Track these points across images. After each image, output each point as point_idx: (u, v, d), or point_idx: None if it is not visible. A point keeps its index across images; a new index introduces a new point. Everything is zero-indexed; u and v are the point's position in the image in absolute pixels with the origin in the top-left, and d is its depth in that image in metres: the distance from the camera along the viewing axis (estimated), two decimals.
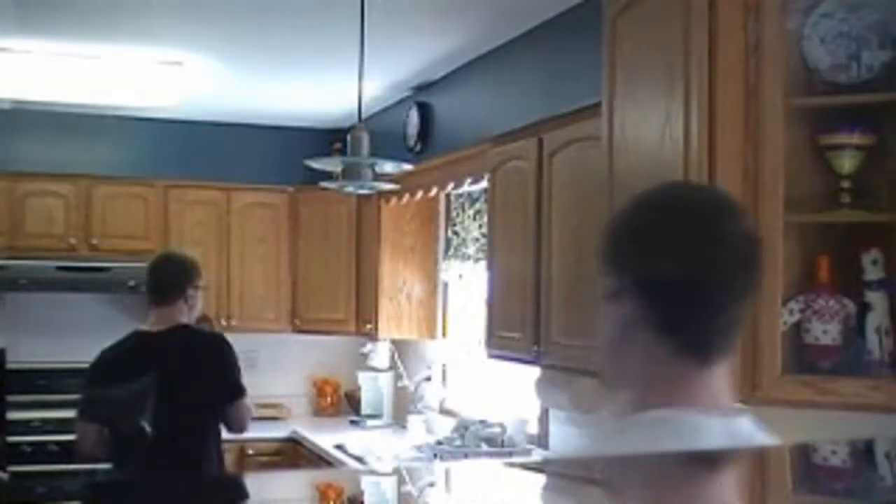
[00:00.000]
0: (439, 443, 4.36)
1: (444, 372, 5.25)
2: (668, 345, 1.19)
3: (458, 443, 4.23)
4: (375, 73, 4.24)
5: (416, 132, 4.95)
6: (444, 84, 4.77)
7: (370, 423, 5.58)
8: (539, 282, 3.34)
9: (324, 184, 3.47)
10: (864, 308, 2.11)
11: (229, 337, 3.68)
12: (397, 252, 5.36)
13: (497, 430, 4.11)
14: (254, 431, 4.88)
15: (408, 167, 3.54)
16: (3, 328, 5.39)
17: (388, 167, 3.39)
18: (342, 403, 6.04)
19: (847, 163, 2.14)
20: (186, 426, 3.47)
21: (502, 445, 4.05)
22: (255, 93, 5.25)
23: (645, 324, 1.20)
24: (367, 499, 4.47)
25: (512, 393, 4.30)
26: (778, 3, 2.16)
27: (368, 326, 5.41)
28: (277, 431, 5.55)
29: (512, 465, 3.75)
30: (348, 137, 3.34)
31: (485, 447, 4.07)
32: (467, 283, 5.00)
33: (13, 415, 5.29)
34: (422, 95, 4.98)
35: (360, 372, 5.70)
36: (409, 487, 4.20)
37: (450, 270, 5.20)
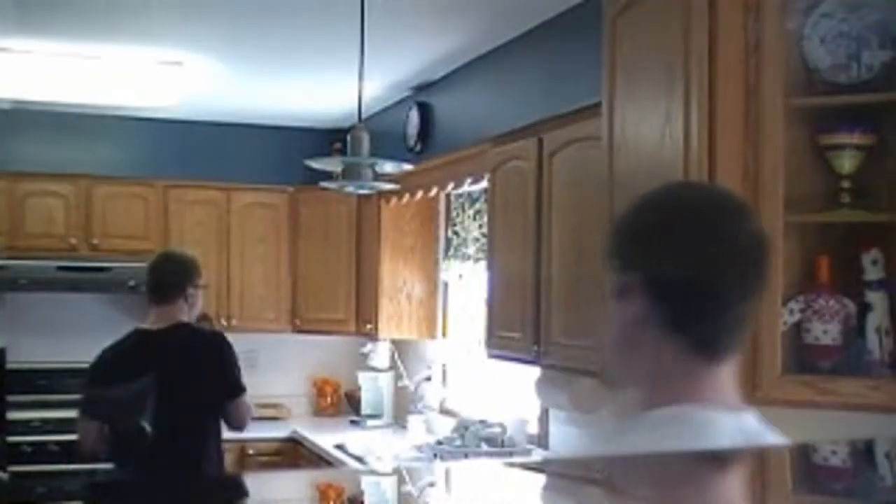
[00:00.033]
0: (439, 443, 4.36)
1: (444, 372, 5.25)
2: (677, 342, 1.20)
3: (458, 443, 4.23)
4: (375, 73, 4.24)
5: (416, 132, 4.95)
6: (444, 84, 4.77)
7: (370, 423, 5.58)
8: (539, 282, 3.34)
9: (324, 184, 3.47)
10: (864, 308, 2.11)
11: (229, 337, 3.68)
12: (397, 252, 5.36)
13: (497, 430, 4.11)
14: (254, 431, 4.88)
15: (408, 167, 3.54)
16: (3, 328, 5.39)
17: (388, 167, 3.39)
18: (342, 403, 6.04)
19: (847, 163, 2.14)
20: (186, 426, 3.48)
21: (502, 445, 4.05)
22: (255, 93, 5.25)
23: (654, 321, 1.21)
24: (367, 499, 4.46)
25: (512, 393, 4.30)
26: (778, 3, 2.16)
27: (368, 326, 5.41)
28: (277, 431, 5.56)
29: (512, 465, 3.74)
30: (348, 137, 3.34)
31: (485, 447, 4.07)
32: (467, 283, 5.00)
33: (13, 415, 5.29)
34: (422, 95, 4.98)
35: (360, 372, 5.70)
36: (409, 487, 4.19)
37: (450, 270, 5.20)
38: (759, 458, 1.32)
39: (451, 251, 5.17)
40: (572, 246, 3.17)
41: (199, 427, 3.54)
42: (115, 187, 5.54)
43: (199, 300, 3.67)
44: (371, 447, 4.87)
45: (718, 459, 1.18)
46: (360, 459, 4.71)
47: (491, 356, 3.79)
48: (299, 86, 5.06)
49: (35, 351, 5.45)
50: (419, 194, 4.94)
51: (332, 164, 3.42)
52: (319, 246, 5.74)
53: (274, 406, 5.82)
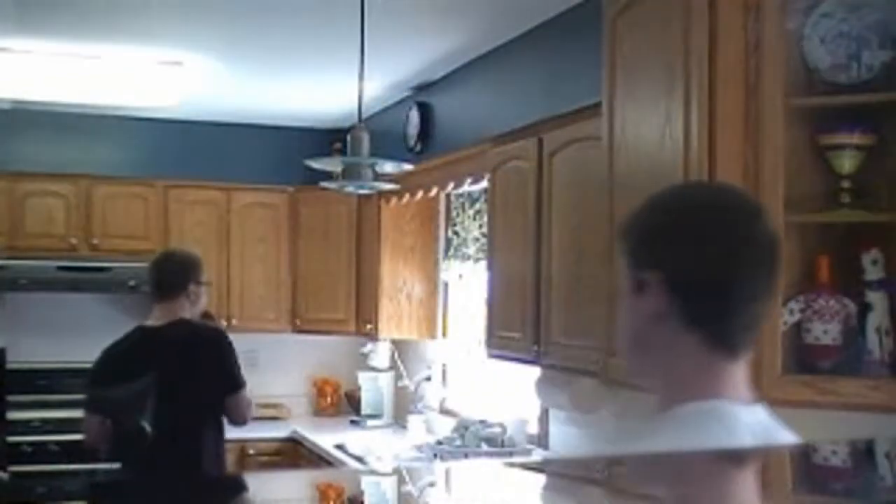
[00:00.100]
0: (439, 443, 4.36)
1: (444, 372, 5.25)
2: (697, 338, 1.23)
3: (458, 443, 4.23)
4: (375, 73, 4.24)
5: (416, 132, 4.95)
6: (444, 84, 4.77)
7: (370, 423, 5.58)
8: (539, 282, 3.35)
9: (324, 184, 3.47)
10: (864, 308, 2.11)
11: (229, 336, 3.70)
12: (397, 252, 5.36)
13: (497, 430, 4.10)
14: (254, 431, 4.89)
15: (408, 167, 3.54)
16: (3, 328, 5.39)
17: (388, 167, 3.39)
18: (342, 403, 6.04)
19: (847, 163, 2.14)
20: (186, 425, 3.51)
21: (502, 445, 4.05)
22: (255, 93, 5.25)
23: (672, 318, 1.23)
24: (367, 499, 4.46)
25: (512, 393, 4.30)
26: (778, 3, 2.16)
27: (368, 326, 5.41)
28: (277, 431, 5.56)
29: (512, 465, 3.75)
30: (348, 137, 3.34)
31: (485, 447, 4.07)
32: (467, 283, 5.00)
33: (13, 415, 5.29)
34: (422, 95, 4.98)
35: (360, 372, 5.70)
36: (409, 487, 4.20)
37: (450, 270, 5.20)
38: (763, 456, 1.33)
39: (451, 251, 5.17)
40: (572, 246, 3.17)
41: (199, 426, 3.56)
42: (115, 187, 5.54)
43: (202, 298, 3.72)
44: (371, 447, 4.88)
45: (739, 455, 1.20)
46: (360, 459, 4.72)
47: (491, 356, 3.79)
48: (299, 86, 5.06)
49: (35, 351, 5.45)
50: (419, 194, 4.94)
51: (332, 164, 3.42)
52: (319, 246, 5.74)
53: (274, 406, 5.83)
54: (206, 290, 3.80)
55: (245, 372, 3.66)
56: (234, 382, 3.59)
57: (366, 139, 3.27)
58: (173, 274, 3.64)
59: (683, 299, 1.23)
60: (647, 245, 1.29)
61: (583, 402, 3.40)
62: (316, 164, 3.39)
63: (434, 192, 4.89)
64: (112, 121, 5.70)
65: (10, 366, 5.37)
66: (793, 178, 2.14)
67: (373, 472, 4.48)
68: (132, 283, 5.26)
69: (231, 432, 3.78)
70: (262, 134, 6.05)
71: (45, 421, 5.25)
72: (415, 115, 4.96)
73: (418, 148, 4.92)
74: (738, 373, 1.24)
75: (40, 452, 5.13)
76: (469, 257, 4.91)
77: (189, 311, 3.63)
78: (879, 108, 2.13)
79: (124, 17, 3.85)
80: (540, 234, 3.35)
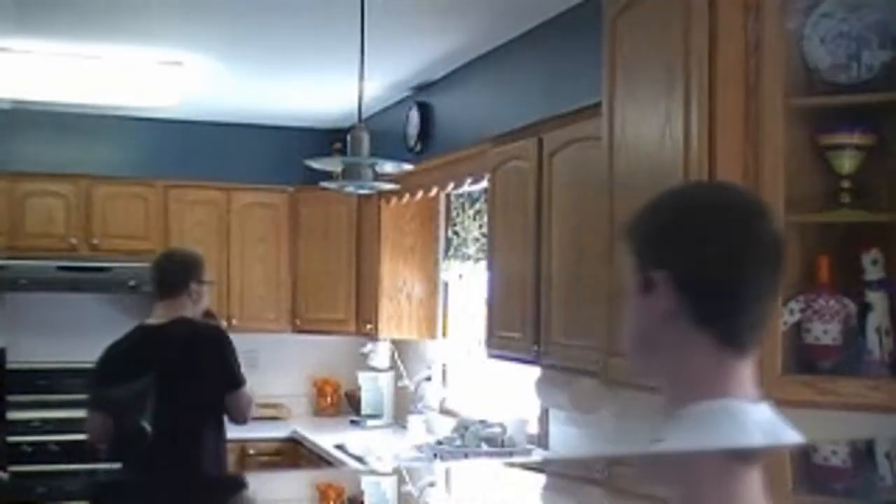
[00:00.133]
0: (439, 443, 4.36)
1: (444, 372, 5.25)
2: (707, 336, 1.24)
3: (458, 443, 4.23)
4: (375, 73, 4.24)
5: (416, 132, 4.95)
6: (444, 84, 4.77)
7: (370, 423, 5.58)
8: (539, 282, 3.34)
9: (324, 184, 3.47)
10: (864, 308, 2.11)
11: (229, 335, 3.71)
12: (397, 252, 5.36)
13: (497, 430, 4.10)
14: (254, 431, 4.89)
15: (408, 167, 3.54)
16: (3, 328, 5.39)
17: (388, 167, 3.39)
18: (342, 403, 6.04)
19: (847, 163, 2.14)
20: (186, 425, 3.52)
21: (502, 445, 4.05)
22: (255, 93, 5.25)
23: (683, 317, 1.24)
24: (367, 499, 4.47)
25: (512, 393, 4.30)
26: (778, 3, 2.16)
27: (368, 326, 5.41)
28: (277, 431, 5.56)
29: (512, 465, 3.75)
30: (348, 137, 3.34)
31: (485, 447, 4.07)
32: (467, 283, 5.00)
33: (13, 415, 5.29)
34: (422, 95, 4.98)
35: (360, 372, 5.70)
36: (409, 487, 4.20)
37: (450, 270, 5.20)
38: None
39: (451, 251, 5.17)
40: (572, 246, 3.17)
41: (199, 426, 3.57)
42: (115, 187, 5.54)
43: (204, 297, 3.74)
44: (371, 447, 4.87)
45: (750, 453, 1.21)
46: (360, 459, 4.71)
47: (491, 356, 3.79)
48: (299, 86, 5.06)
49: (35, 351, 5.45)
50: (419, 194, 4.94)
51: (332, 164, 3.42)
52: (319, 246, 5.74)
53: (274, 406, 5.83)
54: (209, 289, 3.82)
55: (245, 372, 3.66)
56: (234, 380, 3.60)
57: (366, 139, 3.27)
58: (175, 273, 3.66)
59: (692, 298, 1.24)
60: (655, 244, 1.29)
61: (583, 402, 3.40)
62: (316, 164, 3.39)
63: (434, 192, 4.89)
64: (112, 121, 5.70)
65: (10, 366, 5.37)
66: (793, 178, 2.14)
67: (373, 472, 4.49)
68: (132, 283, 5.26)
69: (231, 432, 3.78)
70: (262, 134, 6.05)
71: (45, 421, 5.25)
72: (415, 115, 4.96)
73: (418, 148, 4.92)
74: (746, 371, 1.25)
75: (40, 452, 5.12)
76: (469, 257, 4.91)
77: (191, 309, 3.66)
78: (879, 108, 2.13)
79: (124, 17, 3.85)
80: (540, 234, 3.35)
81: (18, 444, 5.15)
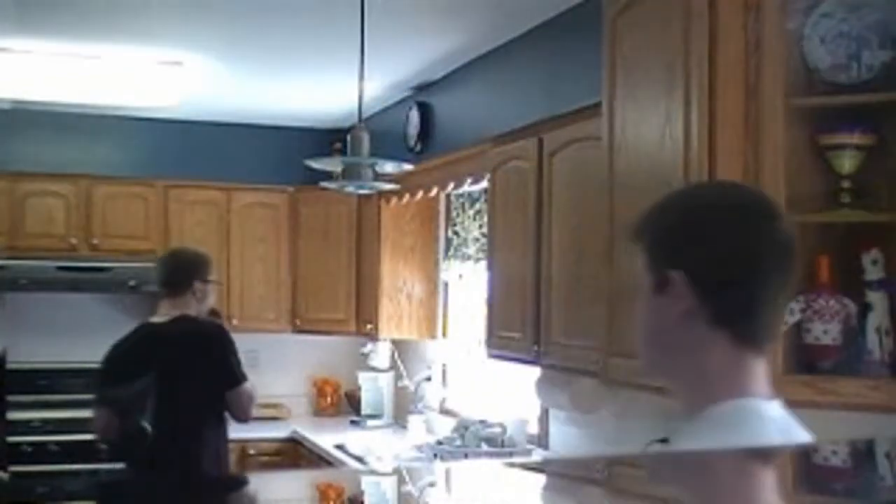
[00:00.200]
0: (439, 443, 4.36)
1: (444, 372, 5.25)
2: (725, 335, 1.24)
3: (458, 443, 4.23)
4: (375, 73, 4.24)
5: (416, 132, 4.95)
6: (444, 84, 4.77)
7: (370, 423, 5.58)
8: (539, 282, 3.34)
9: (324, 184, 3.47)
10: (864, 308, 2.11)
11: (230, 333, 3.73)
12: (397, 252, 5.36)
13: (497, 430, 4.10)
14: (254, 431, 4.89)
15: (408, 167, 3.54)
16: (3, 328, 5.39)
17: (389, 167, 3.39)
18: (342, 403, 6.04)
19: (847, 163, 2.14)
20: (186, 425, 3.53)
21: (502, 445, 4.05)
22: (255, 93, 5.25)
23: (699, 316, 1.24)
24: (367, 499, 4.47)
25: (512, 393, 4.30)
26: (778, 3, 2.16)
27: (369, 326, 5.41)
28: (277, 431, 5.56)
29: (512, 465, 3.75)
30: (348, 137, 3.35)
31: (485, 447, 4.07)
32: (467, 283, 5.00)
33: (13, 415, 5.29)
34: (422, 95, 4.98)
35: (360, 372, 5.70)
36: (409, 487, 4.20)
37: (450, 270, 5.20)
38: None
39: (451, 251, 5.17)
40: (572, 246, 3.17)
41: (199, 426, 3.57)
42: (115, 187, 5.54)
43: (209, 296, 3.77)
44: (371, 447, 4.88)
45: (767, 452, 1.22)
46: (360, 459, 4.72)
47: (491, 356, 3.79)
48: (299, 86, 5.06)
49: (35, 351, 5.45)
50: (419, 194, 4.94)
51: (332, 164, 3.42)
52: (319, 246, 5.74)
53: (274, 406, 5.82)
54: (214, 288, 3.84)
55: (245, 371, 3.67)
56: (234, 378, 3.61)
57: (366, 139, 3.27)
58: (179, 271, 3.70)
59: (710, 298, 1.23)
60: (670, 244, 1.29)
61: (583, 402, 3.40)
62: (316, 164, 3.39)
63: (434, 192, 4.89)
64: (112, 121, 5.70)
65: (10, 366, 5.36)
66: (793, 178, 2.14)
67: (373, 472, 4.49)
68: (132, 283, 5.27)
69: (231, 432, 3.79)
70: (262, 134, 6.05)
71: (45, 421, 5.25)
72: (415, 115, 4.96)
73: (418, 148, 4.92)
74: (762, 370, 1.26)
75: (41, 452, 5.13)
76: (469, 257, 4.91)
77: (195, 308, 3.69)
78: (879, 108, 2.13)
79: (124, 17, 3.85)
80: (540, 234, 3.35)
81: (19, 444, 5.15)
